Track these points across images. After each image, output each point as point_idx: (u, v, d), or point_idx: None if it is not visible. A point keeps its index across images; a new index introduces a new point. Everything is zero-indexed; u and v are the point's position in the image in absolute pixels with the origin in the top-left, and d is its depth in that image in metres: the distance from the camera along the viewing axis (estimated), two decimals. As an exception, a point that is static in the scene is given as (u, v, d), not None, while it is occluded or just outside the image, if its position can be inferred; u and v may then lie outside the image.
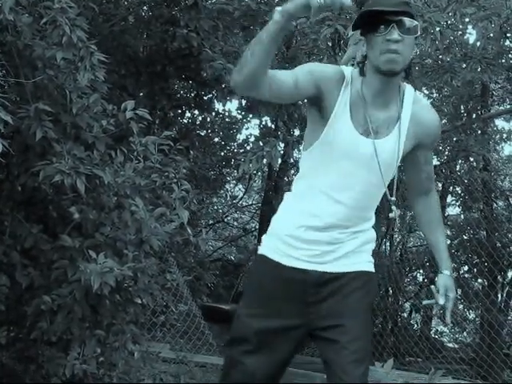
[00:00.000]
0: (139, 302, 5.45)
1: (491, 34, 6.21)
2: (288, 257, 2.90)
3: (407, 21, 2.69)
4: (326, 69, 2.89)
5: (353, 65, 4.62)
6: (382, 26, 2.67)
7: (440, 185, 14.08)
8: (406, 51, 2.72)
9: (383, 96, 2.82)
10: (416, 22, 2.74)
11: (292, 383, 6.30)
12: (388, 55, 2.68)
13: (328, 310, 2.83)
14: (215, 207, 16.76)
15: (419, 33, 2.81)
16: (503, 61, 7.09)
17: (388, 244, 14.21)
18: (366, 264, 2.98)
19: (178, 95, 10.87)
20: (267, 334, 2.87)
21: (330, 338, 2.81)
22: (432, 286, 3.05)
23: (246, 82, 2.65)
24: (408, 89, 2.93)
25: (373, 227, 3.07)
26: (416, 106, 2.91)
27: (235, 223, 18.18)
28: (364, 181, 2.86)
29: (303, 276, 2.86)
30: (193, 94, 11.01)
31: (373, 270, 3.00)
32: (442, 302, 2.97)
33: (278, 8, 2.56)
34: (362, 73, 2.83)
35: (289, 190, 3.09)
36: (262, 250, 3.02)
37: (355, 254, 2.93)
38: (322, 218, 2.86)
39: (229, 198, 16.95)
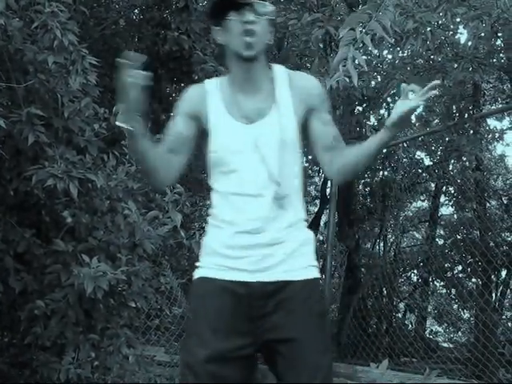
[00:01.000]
0: (133, 305, 5.45)
1: (482, 34, 6.21)
2: (228, 270, 2.74)
3: (260, 4, 2.73)
4: (185, 97, 2.95)
5: (344, 66, 4.64)
6: (236, 12, 2.72)
7: (433, 185, 14.11)
8: (262, 33, 2.76)
9: (251, 82, 2.83)
10: (270, 6, 2.78)
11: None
12: (245, 38, 2.71)
13: (278, 323, 2.67)
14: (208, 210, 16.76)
15: (273, 17, 2.82)
16: (494, 60, 7.11)
17: (382, 244, 14.23)
18: (310, 269, 2.81)
19: (170, 98, 10.86)
20: (216, 362, 2.64)
21: (284, 352, 2.67)
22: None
23: (157, 183, 2.92)
24: (278, 67, 2.93)
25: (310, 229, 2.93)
26: (292, 78, 2.88)
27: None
28: (271, 165, 2.75)
29: (247, 290, 2.69)
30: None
31: (317, 274, 2.84)
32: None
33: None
34: (223, 64, 2.88)
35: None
36: (199, 272, 2.85)
37: (296, 258, 2.77)
38: (250, 219, 2.73)
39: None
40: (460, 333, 13.78)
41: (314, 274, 2.82)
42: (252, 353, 2.72)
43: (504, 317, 12.04)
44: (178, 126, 2.89)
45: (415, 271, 14.09)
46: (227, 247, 2.75)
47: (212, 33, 2.91)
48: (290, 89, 2.84)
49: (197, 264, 2.89)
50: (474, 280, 12.83)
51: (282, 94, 2.82)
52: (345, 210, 12.34)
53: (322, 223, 15.27)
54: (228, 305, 2.70)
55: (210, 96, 2.86)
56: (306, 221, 2.91)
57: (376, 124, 12.50)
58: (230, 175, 2.77)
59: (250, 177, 2.74)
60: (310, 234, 2.89)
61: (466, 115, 8.22)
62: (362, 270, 12.99)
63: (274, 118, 2.77)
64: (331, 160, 2.86)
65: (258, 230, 2.72)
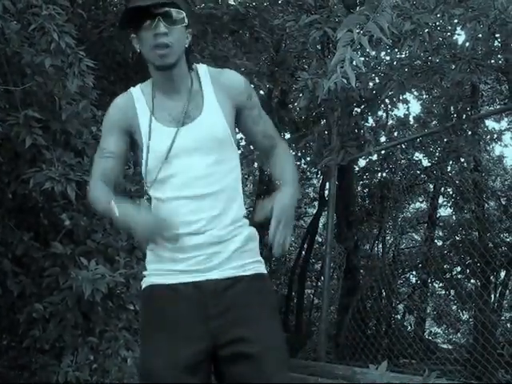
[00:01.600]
0: (132, 308, 5.45)
1: (480, 35, 6.21)
2: (177, 273, 2.73)
3: (173, 11, 2.69)
4: (112, 110, 2.92)
5: (342, 67, 4.64)
6: (149, 21, 2.68)
7: (431, 186, 14.11)
8: (176, 42, 2.72)
9: (175, 86, 2.82)
10: (183, 13, 2.73)
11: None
12: (158, 51, 2.69)
13: (232, 322, 2.67)
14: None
15: (186, 22, 2.76)
16: (492, 61, 7.11)
17: (380, 246, 14.22)
18: (257, 265, 2.84)
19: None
20: (175, 370, 2.62)
21: (240, 351, 2.64)
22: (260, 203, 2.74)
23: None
24: (200, 67, 2.93)
25: (250, 225, 2.90)
26: (214, 78, 2.88)
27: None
28: (202, 165, 2.75)
29: (199, 291, 2.69)
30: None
31: (264, 270, 2.87)
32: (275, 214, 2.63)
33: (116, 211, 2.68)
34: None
35: None
36: (148, 280, 2.83)
37: (243, 254, 2.78)
38: (192, 221, 2.72)
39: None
40: (459, 334, 13.78)
41: (262, 269, 2.85)
42: (208, 359, 2.69)
43: (503, 318, 12.03)
44: (112, 145, 2.86)
45: (414, 272, 14.07)
46: (174, 250, 2.72)
47: (130, 39, 2.85)
48: (214, 88, 2.85)
49: (144, 273, 2.87)
50: (472, 281, 12.82)
51: (208, 94, 2.83)
52: (343, 212, 12.33)
53: (320, 225, 15.28)
54: (182, 309, 2.69)
55: (138, 103, 2.86)
56: (247, 217, 2.89)
57: (374, 125, 12.54)
58: (168, 181, 2.76)
59: (187, 179, 2.73)
60: (253, 230, 2.89)
61: (464, 116, 8.20)
62: (361, 271, 12.98)
63: (203, 119, 2.79)
64: (264, 158, 3.01)
65: (201, 229, 2.71)
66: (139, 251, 5.32)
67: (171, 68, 2.75)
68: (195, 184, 2.72)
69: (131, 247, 5.31)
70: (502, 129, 14.30)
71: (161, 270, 2.77)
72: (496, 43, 6.83)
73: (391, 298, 11.74)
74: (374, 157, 12.89)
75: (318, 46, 9.39)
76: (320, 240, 16.01)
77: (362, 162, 14.11)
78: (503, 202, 13.11)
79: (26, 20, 5.11)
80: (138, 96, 2.88)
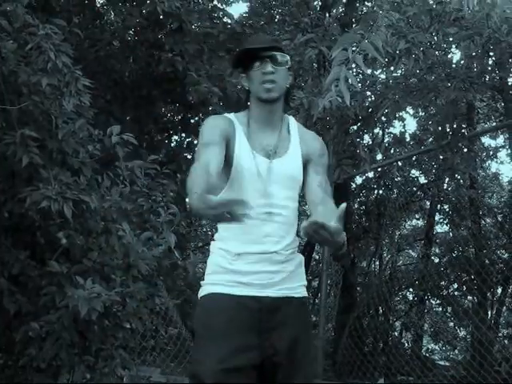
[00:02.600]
0: (128, 326, 5.45)
1: (474, 53, 6.24)
2: (239, 285, 3.03)
3: (279, 55, 3.13)
4: (215, 120, 3.23)
5: (337, 86, 4.67)
6: (258, 62, 3.11)
7: (428, 203, 14.13)
8: (281, 80, 3.13)
9: (269, 122, 3.20)
10: (287, 56, 3.18)
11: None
12: (265, 85, 3.09)
13: (280, 340, 2.98)
14: (204, 229, 16.75)
15: (289, 64, 3.20)
16: (487, 79, 7.14)
17: (377, 263, 14.23)
18: (304, 289, 3.19)
19: (165, 119, 10.88)
20: (228, 374, 2.87)
21: (283, 363, 2.98)
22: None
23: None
24: (291, 117, 3.35)
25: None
26: (301, 129, 3.31)
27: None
28: (283, 196, 3.11)
29: (258, 304, 2.99)
30: (179, 117, 11.03)
31: (307, 294, 3.23)
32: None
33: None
34: (246, 104, 3.28)
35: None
36: (208, 289, 3.09)
37: (296, 277, 3.14)
38: (257, 241, 3.04)
39: (218, 219, 16.89)
40: (456, 351, 13.76)
41: (306, 293, 3.21)
42: (257, 365, 2.95)
43: (500, 334, 12.03)
44: (217, 156, 2.99)
45: (411, 289, 14.09)
46: (237, 264, 3.04)
47: (239, 79, 3.35)
48: (300, 138, 3.24)
49: (202, 282, 3.14)
50: (469, 298, 12.84)
51: (294, 141, 3.22)
52: (340, 229, 12.33)
53: (317, 242, 15.27)
54: (242, 318, 2.97)
55: (235, 124, 3.19)
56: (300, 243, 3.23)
57: (370, 143, 12.57)
58: (249, 199, 2.77)
59: (265, 203, 3.06)
60: (302, 257, 3.25)
61: (460, 134, 8.23)
62: (358, 288, 13.00)
63: (287, 158, 3.16)
64: (313, 209, 3.12)
65: (269, 249, 3.05)
66: (135, 270, 5.32)
67: (273, 102, 3.15)
68: (271, 210, 3.07)
69: (127, 266, 5.30)
70: (498, 146, 14.36)
71: (224, 281, 3.05)
72: (490, 61, 6.87)
73: (388, 315, 11.74)
74: (371, 174, 12.94)
75: (314, 65, 9.44)
76: (317, 257, 16.01)
77: (358, 180, 14.17)
78: (499, 219, 13.12)
79: (23, 39, 5.14)
80: (236, 122, 3.21)
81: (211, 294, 3.06)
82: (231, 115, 3.27)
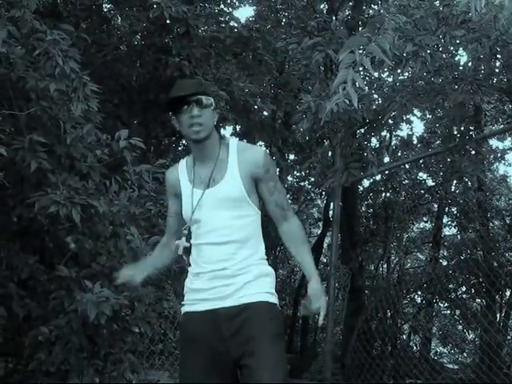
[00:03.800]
0: (137, 330, 5.45)
1: (481, 56, 6.22)
2: (199, 302, 3.39)
3: (204, 99, 3.42)
4: (166, 181, 3.72)
5: (344, 89, 4.67)
6: (185, 106, 3.39)
7: (436, 206, 14.10)
8: (207, 121, 3.41)
9: (205, 156, 3.49)
10: (211, 98, 3.47)
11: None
12: (193, 128, 3.38)
13: (240, 341, 3.23)
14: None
15: (214, 106, 3.47)
16: (494, 82, 7.12)
17: (385, 266, 14.21)
18: (266, 295, 3.39)
19: (172, 123, 10.89)
20: (206, 377, 3.30)
21: (245, 363, 3.20)
22: (303, 302, 3.42)
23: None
24: (232, 141, 3.59)
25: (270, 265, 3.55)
26: (240, 151, 3.51)
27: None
28: (223, 218, 3.40)
29: (214, 316, 3.31)
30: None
31: (274, 301, 3.41)
32: (315, 308, 3.33)
33: None
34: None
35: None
36: (183, 309, 3.50)
37: (253, 286, 3.36)
38: (213, 261, 3.37)
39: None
40: (465, 354, 13.71)
41: (271, 299, 3.41)
42: (232, 368, 3.30)
43: (509, 337, 11.98)
44: (172, 207, 3.67)
45: (419, 292, 14.05)
46: (195, 284, 3.43)
47: (171, 120, 3.63)
48: (239, 158, 3.47)
49: (182, 303, 3.53)
50: (478, 301, 12.80)
51: (231, 164, 3.46)
52: (348, 232, 12.35)
53: (325, 245, 15.29)
54: (205, 330, 3.33)
55: (180, 172, 3.59)
56: (267, 259, 3.53)
57: (378, 146, 12.57)
58: (198, 230, 3.45)
59: (209, 229, 3.41)
60: (268, 268, 3.50)
61: (467, 137, 8.21)
62: (366, 292, 12.97)
63: (223, 183, 3.42)
64: (276, 224, 3.58)
65: (218, 267, 3.36)
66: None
67: (204, 141, 3.43)
68: (214, 233, 3.39)
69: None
70: (506, 148, 14.33)
71: (188, 300, 3.47)
72: (498, 64, 6.85)
73: (396, 318, 11.73)
74: (378, 177, 12.92)
75: (321, 68, 9.43)
76: (325, 261, 16.01)
77: (366, 183, 14.16)
78: (508, 221, 13.09)
79: (31, 45, 5.16)
80: (182, 168, 3.59)
81: (183, 314, 3.49)
82: (183, 160, 3.65)
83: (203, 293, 3.38)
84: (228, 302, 3.32)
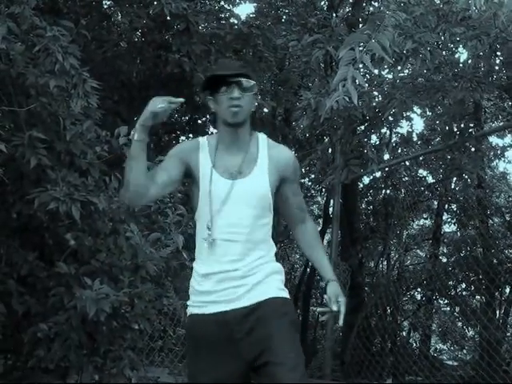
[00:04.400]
0: (136, 327, 5.45)
1: (481, 53, 6.23)
2: (207, 305, 3.24)
3: (244, 81, 3.25)
4: (182, 145, 3.59)
5: (344, 86, 4.67)
6: (225, 87, 3.23)
7: (435, 203, 14.10)
8: (246, 105, 3.26)
9: (236, 144, 3.32)
10: (253, 82, 3.30)
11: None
12: (231, 109, 3.21)
13: (255, 340, 3.12)
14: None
15: (255, 90, 3.33)
16: (494, 79, 7.12)
17: (385, 263, 14.21)
18: (277, 291, 3.29)
19: (172, 119, 10.90)
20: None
21: (264, 362, 3.07)
22: (325, 296, 3.38)
23: (132, 195, 3.27)
24: (261, 135, 3.44)
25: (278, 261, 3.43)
26: (271, 148, 3.39)
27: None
28: (245, 215, 3.25)
29: (224, 318, 3.18)
30: (186, 118, 11.05)
31: (286, 296, 3.32)
32: (335, 308, 3.30)
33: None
34: (214, 126, 3.39)
35: None
36: (189, 311, 3.35)
37: (264, 284, 3.25)
38: (223, 261, 3.22)
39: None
40: (464, 351, 13.69)
41: (283, 294, 3.31)
42: (245, 372, 3.20)
43: (508, 334, 12.00)
44: (168, 164, 3.33)
45: (419, 289, 14.05)
46: (204, 286, 3.26)
47: (206, 101, 3.41)
48: (268, 157, 3.35)
49: (187, 303, 3.37)
50: (477, 298, 12.81)
51: (262, 160, 3.33)
52: (348, 229, 12.36)
53: (325, 242, 15.28)
54: (215, 334, 3.18)
55: (201, 150, 3.35)
56: (276, 255, 3.42)
57: (378, 143, 12.56)
58: (215, 223, 3.24)
59: (229, 223, 3.23)
60: (277, 265, 3.39)
61: (467, 134, 8.22)
62: (366, 288, 12.98)
63: (251, 178, 3.28)
64: (292, 225, 3.58)
65: (229, 268, 3.22)
66: (143, 270, 5.33)
67: (239, 126, 3.27)
68: (233, 229, 3.23)
69: (135, 266, 5.32)
70: (506, 145, 14.30)
71: (197, 302, 3.29)
72: (497, 61, 6.86)
73: (396, 315, 11.74)
74: (378, 174, 12.92)
75: (321, 65, 9.42)
76: (325, 258, 15.97)
77: (366, 180, 14.15)
78: (507, 218, 13.09)
79: (31, 41, 5.15)
80: (204, 145, 3.36)
81: (190, 316, 3.34)
82: (203, 138, 3.42)
83: (212, 295, 3.24)
84: (238, 304, 3.20)
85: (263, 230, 3.32)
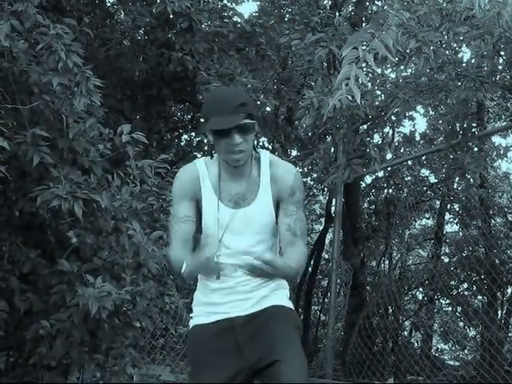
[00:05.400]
0: (138, 325, 5.46)
1: (485, 53, 6.23)
2: (214, 314, 3.26)
3: (245, 124, 3.03)
4: (182, 181, 3.33)
5: (347, 85, 4.66)
6: (225, 133, 3.03)
7: (438, 202, 14.09)
8: (248, 147, 3.12)
9: (238, 173, 3.23)
10: (253, 122, 3.09)
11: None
12: (232, 156, 3.09)
13: (259, 342, 3.13)
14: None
15: (257, 129, 3.15)
16: (497, 79, 7.11)
17: (387, 263, 14.20)
18: (283, 301, 3.31)
19: (175, 118, 10.90)
20: None
21: (268, 364, 3.04)
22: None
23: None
24: (263, 154, 3.33)
25: None
26: (274, 167, 3.28)
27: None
28: (251, 242, 3.22)
29: (229, 323, 3.21)
30: (189, 117, 11.05)
31: (291, 306, 3.34)
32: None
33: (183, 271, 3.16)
34: (212, 156, 3.34)
35: None
36: (193, 321, 3.36)
37: (271, 297, 3.27)
38: (230, 279, 3.24)
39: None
40: (466, 351, 13.69)
41: (288, 304, 3.33)
42: (247, 377, 3.18)
43: (510, 334, 11.97)
44: (183, 210, 3.28)
45: (421, 289, 14.04)
46: (212, 298, 3.30)
47: (207, 135, 3.23)
48: (271, 177, 3.26)
49: (191, 315, 3.42)
50: (479, 298, 12.80)
51: (263, 184, 3.26)
52: (350, 229, 12.35)
53: (327, 241, 15.28)
54: (219, 341, 3.21)
55: (202, 181, 3.27)
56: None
57: (380, 142, 12.55)
58: (220, 251, 3.18)
59: (231, 253, 3.21)
60: (284, 282, 3.37)
61: (470, 134, 8.20)
62: (368, 288, 12.96)
63: (256, 205, 3.24)
64: (281, 245, 3.34)
65: (237, 286, 3.26)
66: (145, 269, 5.33)
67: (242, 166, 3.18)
68: (237, 257, 3.19)
69: (137, 265, 5.32)
70: (509, 145, 14.29)
71: (203, 312, 3.32)
72: (501, 61, 6.85)
73: (398, 314, 11.73)
74: (380, 173, 12.92)
75: (324, 64, 9.42)
76: (326, 257, 16.00)
77: (368, 179, 14.15)
78: (510, 219, 13.07)
79: (34, 39, 5.16)
80: (204, 175, 3.28)
81: (194, 327, 3.34)
82: (201, 165, 3.32)
83: (219, 306, 3.27)
84: (244, 312, 3.23)
85: (270, 250, 3.27)
